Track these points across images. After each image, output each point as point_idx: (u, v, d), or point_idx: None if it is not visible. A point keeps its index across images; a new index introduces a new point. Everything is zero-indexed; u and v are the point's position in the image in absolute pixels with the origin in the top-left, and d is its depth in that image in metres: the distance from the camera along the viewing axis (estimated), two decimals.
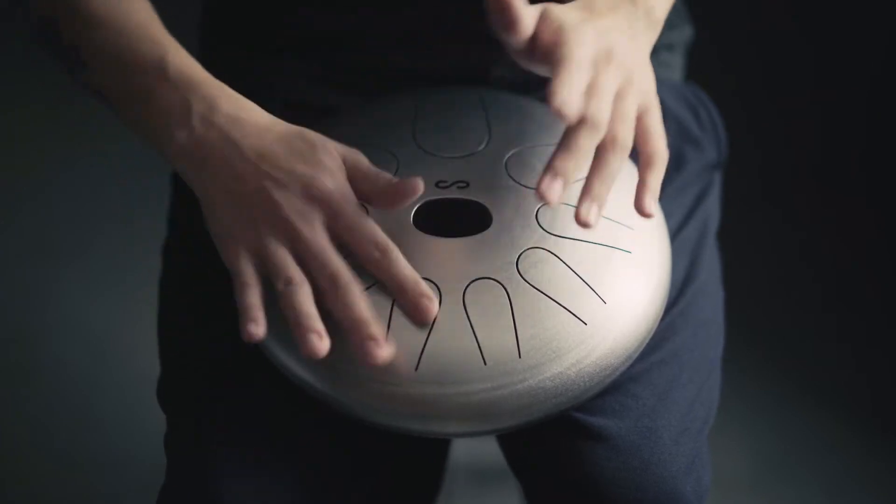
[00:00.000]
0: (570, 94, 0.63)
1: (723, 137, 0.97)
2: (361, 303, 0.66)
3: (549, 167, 0.64)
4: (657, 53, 0.95)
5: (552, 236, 0.71)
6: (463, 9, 0.86)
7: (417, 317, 0.67)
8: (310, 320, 0.65)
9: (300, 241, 0.67)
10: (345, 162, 0.70)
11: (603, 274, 0.70)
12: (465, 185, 0.74)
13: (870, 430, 1.47)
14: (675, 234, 0.84)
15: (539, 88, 0.90)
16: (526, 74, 0.91)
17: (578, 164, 0.65)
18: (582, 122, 0.64)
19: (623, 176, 0.76)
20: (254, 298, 0.67)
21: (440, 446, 0.88)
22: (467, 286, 0.69)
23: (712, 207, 0.91)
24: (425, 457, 0.85)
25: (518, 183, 0.74)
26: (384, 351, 0.65)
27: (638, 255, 0.72)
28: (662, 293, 0.73)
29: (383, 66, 0.87)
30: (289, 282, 0.66)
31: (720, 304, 0.87)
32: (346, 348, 0.67)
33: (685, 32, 0.99)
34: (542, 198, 0.64)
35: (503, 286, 0.69)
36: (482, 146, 0.77)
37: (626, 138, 0.67)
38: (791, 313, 1.62)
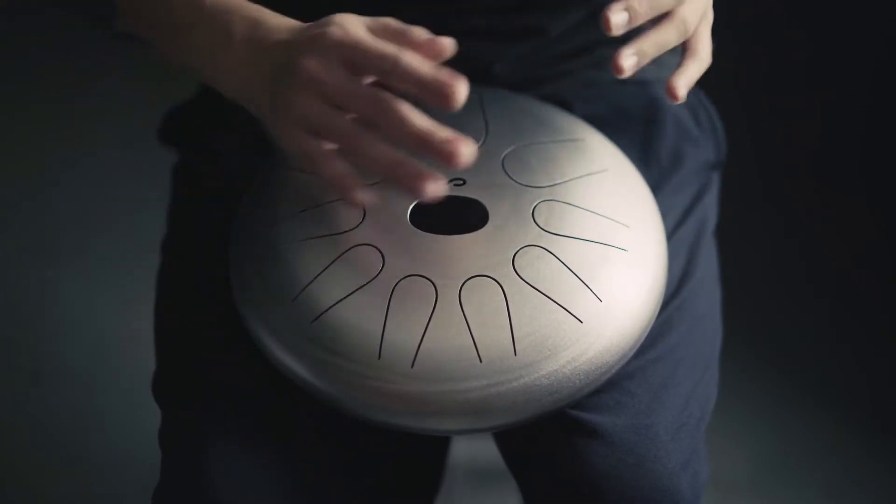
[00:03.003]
0: None
1: (721, 138, 0.98)
2: (417, 114, 0.65)
3: (632, 43, 0.70)
4: (658, 56, 0.95)
5: (548, 234, 0.71)
6: (466, 4, 0.86)
7: (446, 103, 0.64)
8: (407, 162, 0.65)
9: (327, 85, 0.66)
10: (372, 26, 0.69)
11: (599, 272, 0.70)
12: (461, 182, 0.74)
13: (869, 431, 1.47)
14: (672, 232, 0.84)
15: (537, 86, 0.90)
16: (526, 72, 0.92)
17: (648, 12, 0.69)
18: (681, 22, 0.71)
19: (621, 177, 0.77)
20: (338, 167, 0.67)
21: (440, 446, 0.88)
22: (463, 283, 0.69)
23: (710, 206, 0.91)
24: (425, 456, 0.85)
25: (515, 181, 0.74)
26: (466, 146, 0.63)
27: (634, 253, 0.72)
28: (658, 291, 0.73)
29: None
30: (349, 135, 0.66)
31: (717, 301, 0.87)
32: (343, 341, 0.67)
33: None
34: (617, 68, 0.69)
35: (499, 284, 0.69)
36: (479, 143, 0.77)
37: (690, 26, 0.72)
38: (790, 314, 1.62)
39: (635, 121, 0.89)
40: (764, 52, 1.89)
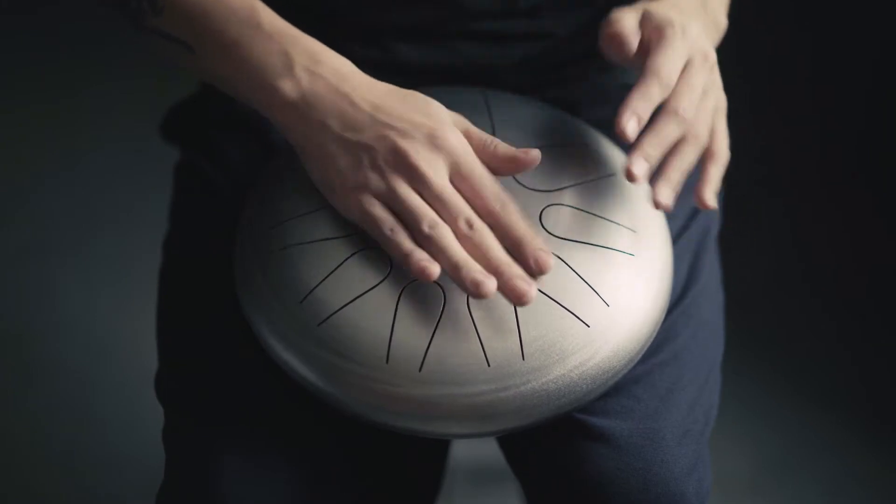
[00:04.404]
0: (668, 68, 0.71)
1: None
2: (499, 245, 0.67)
3: (636, 148, 0.69)
4: None
5: (556, 238, 0.71)
6: (477, 7, 0.86)
7: (537, 270, 0.67)
8: (470, 263, 0.66)
9: (430, 189, 0.67)
10: (461, 130, 0.71)
11: (606, 277, 0.70)
12: None
13: (868, 430, 1.48)
14: (677, 238, 0.84)
15: (543, 90, 0.90)
16: (532, 76, 0.91)
17: (662, 149, 0.70)
18: (673, 114, 0.70)
19: (627, 182, 0.77)
20: (410, 240, 0.67)
21: (440, 446, 0.88)
22: None
23: (713, 212, 0.91)
24: (426, 457, 0.85)
25: (522, 185, 0.74)
26: (532, 288, 0.66)
27: (641, 258, 0.72)
28: (665, 296, 0.73)
29: (395, 60, 0.87)
30: (434, 223, 0.67)
31: (720, 307, 0.87)
32: (351, 345, 0.67)
33: None
34: (630, 176, 0.69)
35: None
36: None
37: (705, 136, 0.72)
38: (790, 315, 1.62)
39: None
40: (765, 58, 1.89)
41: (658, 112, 0.71)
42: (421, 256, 0.66)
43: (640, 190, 0.77)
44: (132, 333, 1.46)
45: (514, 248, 0.67)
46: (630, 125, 0.69)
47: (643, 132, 0.70)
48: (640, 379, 0.75)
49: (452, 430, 0.70)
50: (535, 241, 0.67)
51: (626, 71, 0.93)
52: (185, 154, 0.95)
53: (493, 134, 0.78)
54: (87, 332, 1.58)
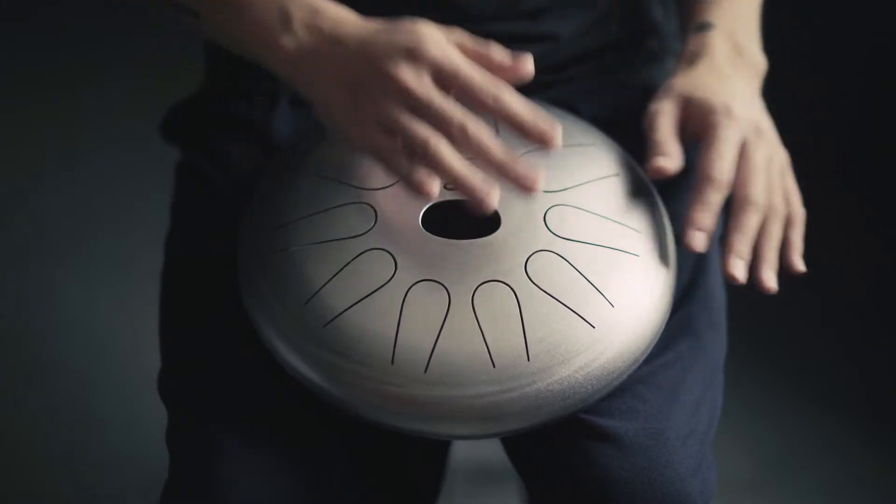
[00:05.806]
0: (719, 166, 0.74)
1: None
2: (497, 146, 0.67)
3: (730, 251, 0.74)
4: (664, 62, 0.95)
5: (560, 239, 0.71)
6: (478, 10, 0.86)
7: (545, 143, 0.68)
8: (470, 177, 0.67)
9: (420, 103, 0.68)
10: (455, 42, 0.71)
11: (610, 277, 0.70)
12: None
13: (869, 430, 1.48)
14: (680, 238, 0.84)
15: (545, 90, 0.90)
16: (535, 76, 0.91)
17: (751, 241, 0.75)
18: (748, 204, 0.74)
19: (631, 182, 0.77)
20: (416, 164, 0.68)
21: (442, 446, 0.88)
22: (476, 288, 0.69)
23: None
24: (427, 457, 0.85)
25: None
26: (540, 174, 0.67)
27: (645, 258, 0.72)
28: (669, 296, 0.73)
29: None
30: (427, 142, 0.67)
31: (723, 307, 0.87)
32: (356, 346, 0.67)
33: None
34: (733, 279, 0.74)
35: (512, 289, 0.69)
36: None
37: (782, 206, 0.75)
38: (790, 315, 1.62)
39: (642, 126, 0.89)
40: (771, 58, 1.88)
41: (733, 203, 0.75)
42: (419, 174, 0.67)
43: (645, 191, 0.77)
44: (132, 333, 1.46)
45: (518, 132, 0.68)
46: (697, 241, 0.73)
47: (729, 230, 0.74)
48: (644, 379, 0.75)
49: (457, 431, 0.70)
50: (538, 119, 0.67)
51: (628, 71, 0.93)
52: (185, 154, 0.94)
53: (496, 134, 0.78)
54: (87, 332, 1.58)
